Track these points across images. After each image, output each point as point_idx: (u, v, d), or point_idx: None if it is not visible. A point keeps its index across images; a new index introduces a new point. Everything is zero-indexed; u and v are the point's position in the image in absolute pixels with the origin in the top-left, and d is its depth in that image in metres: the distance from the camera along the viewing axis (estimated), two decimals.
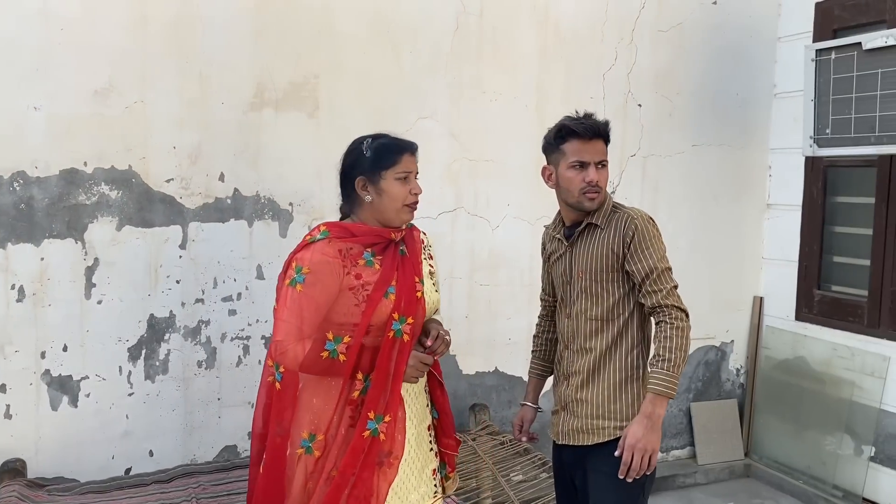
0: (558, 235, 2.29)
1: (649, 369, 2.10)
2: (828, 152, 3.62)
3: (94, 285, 2.95)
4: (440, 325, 2.09)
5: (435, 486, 2.11)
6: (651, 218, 2.20)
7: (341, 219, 2.10)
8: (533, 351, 2.52)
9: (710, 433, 4.33)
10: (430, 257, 2.16)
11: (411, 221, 2.10)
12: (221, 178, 3.13)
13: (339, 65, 3.30)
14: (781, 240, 4.30)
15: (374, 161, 1.99)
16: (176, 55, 3.01)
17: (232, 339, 3.20)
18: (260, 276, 3.21)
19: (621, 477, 2.03)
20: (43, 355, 2.90)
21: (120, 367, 3.02)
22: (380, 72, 3.39)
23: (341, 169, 2.05)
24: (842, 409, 3.89)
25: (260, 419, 2.04)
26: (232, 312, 3.18)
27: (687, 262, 3.96)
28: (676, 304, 2.09)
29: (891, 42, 3.20)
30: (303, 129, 3.25)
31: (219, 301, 3.16)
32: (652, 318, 2.14)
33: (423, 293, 2.01)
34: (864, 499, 3.77)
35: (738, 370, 4.47)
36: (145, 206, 3.01)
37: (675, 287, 2.12)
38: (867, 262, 3.83)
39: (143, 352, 3.05)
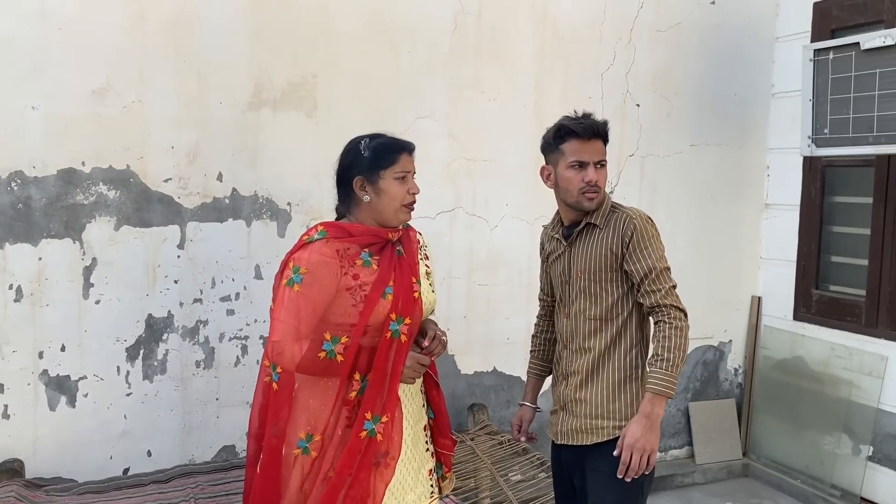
0: (557, 235, 2.29)
1: (648, 369, 2.10)
2: (826, 152, 3.62)
3: (92, 285, 2.95)
4: (436, 325, 2.09)
5: (431, 486, 2.11)
6: (650, 218, 2.20)
7: (337, 219, 2.09)
8: (531, 351, 2.51)
9: (709, 433, 4.33)
10: (426, 258, 2.15)
11: (408, 222, 2.10)
12: (220, 177, 3.12)
13: (337, 64, 3.30)
14: (780, 239, 4.30)
15: (372, 161, 1.98)
16: (174, 55, 3.01)
17: (230, 339, 3.19)
18: (258, 276, 3.21)
19: (620, 476, 2.02)
20: (41, 355, 2.90)
21: (118, 367, 3.01)
22: (378, 71, 3.38)
23: (338, 169, 2.04)
24: (840, 408, 3.89)
25: (256, 419, 2.03)
26: (230, 312, 3.18)
27: (685, 261, 3.96)
28: (675, 304, 2.09)
29: (889, 42, 3.20)
30: (301, 128, 3.25)
31: (217, 301, 3.15)
32: (650, 317, 2.14)
33: (420, 294, 2.01)
34: (862, 498, 3.77)
35: (736, 370, 4.47)
36: (143, 205, 3.01)
37: (674, 287, 2.12)
38: (865, 262, 3.83)
39: (142, 352, 3.05)
